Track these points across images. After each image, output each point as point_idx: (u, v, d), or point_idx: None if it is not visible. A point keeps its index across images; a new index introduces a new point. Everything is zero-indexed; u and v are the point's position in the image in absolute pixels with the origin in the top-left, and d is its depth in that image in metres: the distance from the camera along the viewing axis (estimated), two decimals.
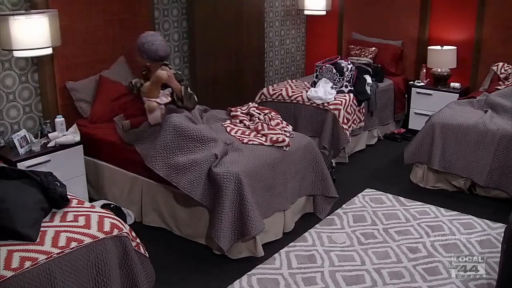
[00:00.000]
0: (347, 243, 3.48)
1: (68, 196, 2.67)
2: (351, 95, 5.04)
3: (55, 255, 2.25)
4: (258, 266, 3.20)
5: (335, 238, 3.54)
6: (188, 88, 3.74)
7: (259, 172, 3.35)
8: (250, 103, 4.25)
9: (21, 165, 3.49)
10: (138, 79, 3.84)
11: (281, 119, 4.03)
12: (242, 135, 3.69)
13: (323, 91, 4.88)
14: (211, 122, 4.05)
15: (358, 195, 4.21)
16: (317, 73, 5.24)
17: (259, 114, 4.00)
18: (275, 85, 5.46)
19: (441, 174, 4.32)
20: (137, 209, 3.82)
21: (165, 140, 3.38)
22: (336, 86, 5.04)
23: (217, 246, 3.26)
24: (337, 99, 4.89)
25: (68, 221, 2.51)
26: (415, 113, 5.74)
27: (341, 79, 5.07)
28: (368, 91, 5.19)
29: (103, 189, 4.06)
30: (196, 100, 3.78)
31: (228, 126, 3.87)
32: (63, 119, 3.92)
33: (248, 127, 3.84)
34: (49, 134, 3.85)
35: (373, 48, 5.97)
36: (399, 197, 4.17)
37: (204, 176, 3.25)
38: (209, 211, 3.31)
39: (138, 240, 2.71)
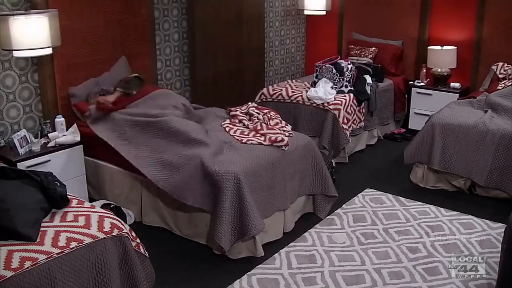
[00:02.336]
0: (347, 243, 3.48)
1: (68, 196, 2.67)
2: (351, 95, 5.04)
3: (55, 255, 2.25)
4: (258, 266, 3.20)
5: (335, 238, 3.54)
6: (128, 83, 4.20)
7: (258, 172, 3.35)
8: (250, 103, 4.25)
9: (21, 165, 3.49)
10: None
11: (280, 118, 4.03)
12: (241, 135, 3.69)
13: (323, 91, 4.88)
14: (211, 119, 4.05)
15: (358, 195, 4.21)
16: (317, 73, 5.24)
17: (258, 114, 4.00)
18: (275, 85, 5.46)
19: (441, 174, 4.32)
20: (137, 209, 3.82)
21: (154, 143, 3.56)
22: (336, 86, 5.04)
23: (217, 246, 3.26)
24: (337, 99, 4.89)
25: (68, 221, 2.51)
26: (415, 113, 5.74)
27: (341, 79, 5.07)
28: (368, 91, 5.19)
29: (103, 189, 4.06)
30: (138, 82, 4.23)
31: (227, 126, 3.87)
32: (63, 119, 3.92)
33: (247, 127, 3.84)
34: (49, 134, 3.85)
35: (373, 48, 5.97)
36: (399, 197, 4.17)
37: (198, 180, 3.26)
38: (210, 213, 3.31)
39: (138, 240, 2.71)
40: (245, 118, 3.97)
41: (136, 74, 4.33)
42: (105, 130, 3.83)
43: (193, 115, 4.04)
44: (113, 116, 3.90)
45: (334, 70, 5.07)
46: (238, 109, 4.11)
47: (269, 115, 3.99)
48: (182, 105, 4.02)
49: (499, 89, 4.83)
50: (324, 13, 6.38)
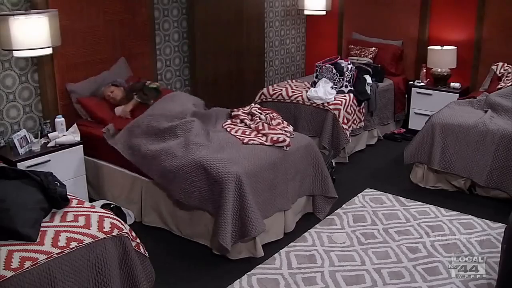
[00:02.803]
0: (347, 243, 3.48)
1: (68, 196, 2.67)
2: (351, 95, 5.04)
3: (55, 255, 2.25)
4: (258, 266, 3.20)
5: (335, 238, 3.54)
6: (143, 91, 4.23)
7: (259, 172, 3.34)
8: (252, 104, 4.25)
9: (21, 165, 3.49)
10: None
11: (282, 119, 4.03)
12: (243, 135, 3.69)
13: (323, 91, 4.88)
14: (214, 119, 4.03)
15: (358, 195, 4.21)
16: (317, 73, 5.23)
17: (260, 113, 4.00)
18: (275, 85, 5.46)
19: (441, 174, 4.32)
20: (137, 209, 3.82)
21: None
22: (336, 86, 5.04)
23: (217, 246, 3.26)
24: (337, 99, 4.89)
25: (68, 221, 2.51)
26: (415, 113, 5.74)
27: (341, 79, 5.07)
28: (368, 91, 5.19)
29: (103, 189, 4.06)
30: (155, 94, 4.21)
31: (229, 126, 3.87)
32: (63, 119, 3.92)
33: (249, 127, 3.84)
34: (49, 134, 3.85)
35: (373, 48, 5.97)
36: (399, 197, 4.17)
37: (200, 182, 3.27)
38: (211, 214, 3.31)
39: (138, 240, 2.71)
40: (246, 118, 3.96)
41: (155, 86, 4.29)
42: (127, 150, 3.77)
43: (200, 115, 4.02)
44: (129, 131, 3.85)
45: (334, 70, 5.07)
46: (241, 110, 4.11)
47: (271, 115, 3.99)
48: (193, 106, 4.07)
49: (499, 89, 4.83)
50: (324, 13, 6.38)
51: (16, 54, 3.53)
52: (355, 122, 5.02)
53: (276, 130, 3.74)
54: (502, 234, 2.74)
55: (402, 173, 4.62)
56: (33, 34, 3.36)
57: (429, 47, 5.69)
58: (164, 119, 3.78)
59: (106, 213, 2.63)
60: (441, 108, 4.58)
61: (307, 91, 5.03)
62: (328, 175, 3.88)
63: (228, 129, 3.80)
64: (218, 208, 3.18)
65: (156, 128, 3.70)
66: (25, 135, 3.67)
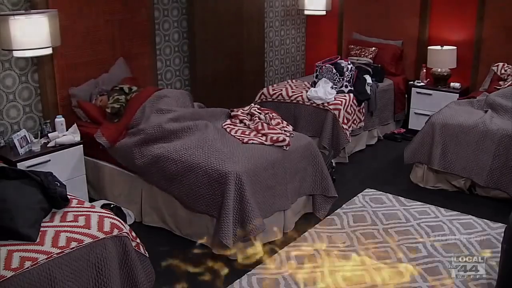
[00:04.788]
0: (347, 243, 3.48)
1: (68, 196, 2.67)
2: (351, 95, 5.04)
3: (55, 255, 2.26)
4: (258, 266, 3.20)
5: (335, 238, 3.54)
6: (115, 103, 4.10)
7: (259, 172, 3.34)
8: (252, 104, 4.25)
9: (21, 165, 3.49)
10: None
11: (281, 119, 4.03)
12: (242, 135, 3.69)
13: (323, 91, 4.88)
14: (213, 120, 4.03)
15: (358, 195, 4.21)
16: (317, 73, 5.24)
17: (260, 113, 4.00)
18: (275, 85, 5.46)
19: (441, 174, 4.32)
20: (137, 209, 3.82)
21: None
22: (336, 86, 5.04)
23: (217, 246, 3.26)
24: (337, 99, 4.89)
25: (68, 221, 2.52)
26: (415, 113, 5.74)
27: (341, 79, 5.07)
28: (368, 91, 5.19)
29: (103, 189, 4.06)
30: (112, 114, 4.05)
31: (228, 126, 3.87)
32: (63, 119, 3.92)
33: (249, 127, 3.84)
34: (49, 134, 3.85)
35: (373, 48, 5.97)
36: (399, 197, 4.17)
37: (202, 185, 3.28)
38: (215, 217, 3.32)
39: (138, 240, 2.71)
40: (246, 118, 3.96)
41: (109, 109, 4.06)
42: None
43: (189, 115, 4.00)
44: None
45: (334, 70, 5.07)
46: (240, 110, 4.11)
47: (271, 115, 3.99)
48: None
49: (499, 89, 4.83)
50: (324, 13, 6.38)
51: (16, 54, 3.53)
52: (355, 122, 5.02)
53: (276, 129, 3.74)
54: (502, 234, 2.74)
55: (402, 173, 4.62)
56: (33, 34, 3.36)
57: (429, 47, 5.69)
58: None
59: (106, 213, 2.63)
60: (441, 108, 4.58)
61: (307, 91, 5.03)
62: (328, 174, 3.88)
63: (228, 129, 3.80)
64: (220, 208, 3.18)
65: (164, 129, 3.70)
66: (25, 135, 3.67)
